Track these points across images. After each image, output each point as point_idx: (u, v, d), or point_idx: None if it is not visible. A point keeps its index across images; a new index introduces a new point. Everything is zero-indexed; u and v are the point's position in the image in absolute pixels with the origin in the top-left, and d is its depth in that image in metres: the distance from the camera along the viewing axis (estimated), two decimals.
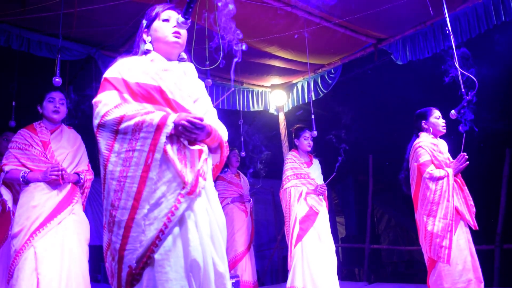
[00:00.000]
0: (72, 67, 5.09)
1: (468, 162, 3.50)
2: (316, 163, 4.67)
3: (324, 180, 4.61)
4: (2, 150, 4.07)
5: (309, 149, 4.61)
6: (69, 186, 3.10)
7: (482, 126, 3.53)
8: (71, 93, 4.32)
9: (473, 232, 3.52)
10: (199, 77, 2.18)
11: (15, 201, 3.18)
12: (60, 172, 2.99)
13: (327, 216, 4.44)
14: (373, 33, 5.09)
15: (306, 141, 4.58)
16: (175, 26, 2.00)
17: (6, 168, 3.04)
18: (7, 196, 3.21)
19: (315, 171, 4.59)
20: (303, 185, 4.40)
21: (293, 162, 4.55)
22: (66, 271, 2.88)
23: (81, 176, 3.19)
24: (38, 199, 2.93)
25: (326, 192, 4.53)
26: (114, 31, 4.64)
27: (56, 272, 2.83)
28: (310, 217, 4.29)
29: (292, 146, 4.75)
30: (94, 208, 7.61)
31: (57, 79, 3.38)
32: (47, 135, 3.19)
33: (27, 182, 3.00)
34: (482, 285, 3.36)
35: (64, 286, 2.83)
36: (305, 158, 4.62)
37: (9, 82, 4.45)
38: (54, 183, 3.01)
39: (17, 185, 3.23)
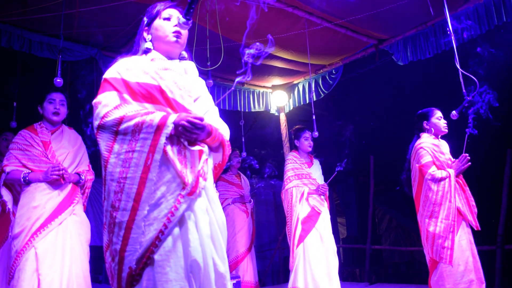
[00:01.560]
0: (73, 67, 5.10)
1: (470, 163, 3.49)
2: (316, 163, 4.67)
3: (325, 180, 4.61)
4: (1, 150, 4.08)
5: (310, 149, 4.61)
6: (69, 187, 3.10)
7: (483, 127, 3.52)
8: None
9: (474, 233, 3.52)
10: (200, 77, 2.17)
11: (16, 201, 3.18)
12: (61, 172, 2.99)
13: (329, 216, 4.44)
14: (374, 33, 5.08)
15: (307, 141, 4.57)
16: (176, 25, 1.98)
17: (7, 169, 3.04)
18: (7, 197, 3.20)
19: (316, 171, 4.58)
20: (305, 185, 4.40)
21: (294, 163, 4.54)
22: (67, 271, 2.88)
23: (81, 176, 3.19)
24: (39, 200, 2.93)
25: (328, 192, 4.52)
26: (115, 32, 4.64)
27: (57, 273, 2.83)
28: (312, 217, 4.28)
29: (293, 147, 4.75)
30: (95, 208, 7.61)
31: (58, 80, 3.38)
32: (47, 136, 3.19)
33: (28, 182, 3.00)
34: (484, 286, 3.35)
35: (65, 287, 2.83)
36: (305, 158, 4.62)
37: (10, 83, 4.46)
38: (55, 184, 3.02)
39: (17, 186, 3.23)
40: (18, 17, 4.10)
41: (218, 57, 4.04)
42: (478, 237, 3.64)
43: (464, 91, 3.54)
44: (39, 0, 3.89)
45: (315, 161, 4.68)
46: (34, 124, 3.24)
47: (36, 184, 2.98)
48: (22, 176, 2.99)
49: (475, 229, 3.47)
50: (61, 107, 3.24)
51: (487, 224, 3.96)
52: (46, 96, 3.22)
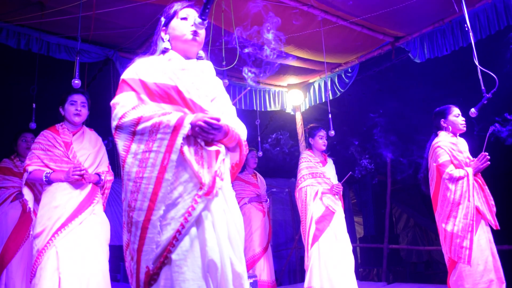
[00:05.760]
0: (91, 69, 5.16)
1: (489, 162, 3.44)
2: (330, 162, 4.65)
3: (340, 179, 4.59)
4: (21, 151, 4.15)
5: (324, 148, 4.59)
6: (90, 187, 3.13)
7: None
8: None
9: (494, 232, 3.47)
10: (217, 77, 2.18)
11: (36, 201, 3.23)
12: (82, 172, 3.03)
13: (343, 215, 4.41)
14: (390, 31, 5.04)
15: (321, 140, 4.56)
16: (193, 25, 1.99)
17: (30, 168, 3.08)
18: (29, 196, 3.25)
19: (330, 170, 4.56)
20: (319, 184, 4.38)
21: (308, 161, 4.53)
22: (87, 270, 2.91)
23: (101, 176, 3.23)
24: (60, 200, 2.97)
25: (341, 191, 4.49)
26: (131, 33, 4.68)
27: (77, 272, 2.86)
28: (327, 217, 4.27)
29: (308, 146, 4.74)
30: (113, 208, 7.69)
31: (76, 81, 3.42)
32: (69, 136, 3.23)
33: (50, 182, 3.04)
34: (504, 285, 3.30)
35: (85, 286, 2.87)
36: (320, 157, 4.60)
37: (30, 85, 4.52)
38: (76, 183, 3.05)
39: (38, 185, 3.28)
40: (36, 20, 4.16)
41: (234, 57, 4.04)
42: (498, 236, 3.59)
43: (483, 88, 3.49)
44: (57, 3, 3.94)
45: (329, 160, 4.66)
46: (55, 125, 3.28)
47: (57, 184, 3.02)
48: (44, 175, 3.03)
49: (494, 228, 3.42)
50: (82, 109, 3.27)
51: (507, 223, 3.90)
52: (67, 98, 3.26)
